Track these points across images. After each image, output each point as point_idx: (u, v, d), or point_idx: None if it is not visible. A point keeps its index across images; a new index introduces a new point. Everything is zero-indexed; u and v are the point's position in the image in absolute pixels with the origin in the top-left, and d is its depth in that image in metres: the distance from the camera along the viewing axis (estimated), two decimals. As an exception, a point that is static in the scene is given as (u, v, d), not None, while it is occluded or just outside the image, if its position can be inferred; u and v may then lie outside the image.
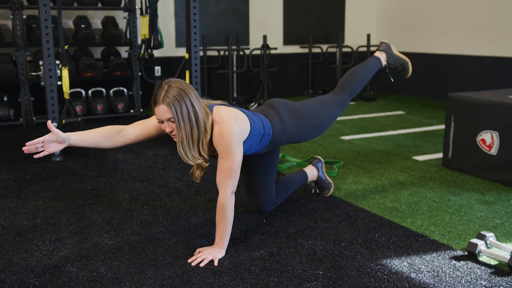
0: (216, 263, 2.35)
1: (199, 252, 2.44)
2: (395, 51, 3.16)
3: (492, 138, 3.56)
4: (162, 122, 2.35)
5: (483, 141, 3.62)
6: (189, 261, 2.38)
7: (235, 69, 6.96)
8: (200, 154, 2.38)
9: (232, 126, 2.37)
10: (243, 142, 2.48)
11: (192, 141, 2.33)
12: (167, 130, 2.34)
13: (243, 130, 2.44)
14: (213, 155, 2.52)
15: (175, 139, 2.36)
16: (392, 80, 3.10)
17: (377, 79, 8.30)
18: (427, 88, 7.66)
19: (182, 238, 2.64)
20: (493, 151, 3.55)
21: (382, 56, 3.11)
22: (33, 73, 5.43)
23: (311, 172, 3.21)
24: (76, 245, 2.57)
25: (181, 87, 2.31)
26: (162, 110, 2.29)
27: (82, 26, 6.04)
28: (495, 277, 2.24)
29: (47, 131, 3.05)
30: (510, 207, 3.10)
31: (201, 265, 2.34)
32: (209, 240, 2.60)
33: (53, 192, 3.38)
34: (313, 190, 3.30)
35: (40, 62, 4.23)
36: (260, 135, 2.57)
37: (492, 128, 3.55)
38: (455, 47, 7.15)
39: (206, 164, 2.45)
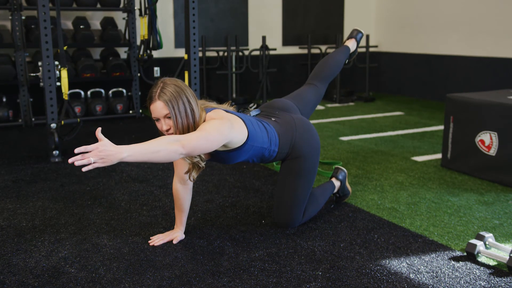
0: None
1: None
2: (347, 183, 3.19)
3: (491, 138, 3.56)
4: (158, 120, 2.31)
5: (482, 141, 3.62)
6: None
7: (234, 70, 6.97)
8: None
9: (222, 120, 2.30)
10: (241, 150, 2.44)
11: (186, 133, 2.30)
12: (164, 128, 2.30)
13: (233, 131, 2.33)
14: (210, 156, 2.50)
15: None
16: (332, 206, 3.12)
17: (375, 80, 8.31)
18: (426, 88, 7.66)
19: (181, 239, 2.63)
20: (492, 151, 3.56)
21: (338, 183, 3.10)
22: (32, 74, 5.42)
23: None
24: (75, 246, 2.56)
25: (177, 84, 2.31)
26: (158, 106, 2.27)
27: (81, 27, 6.04)
28: (494, 277, 2.24)
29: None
30: (509, 207, 3.11)
31: None
32: (208, 241, 2.61)
33: (52, 193, 3.38)
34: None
35: (39, 63, 4.23)
36: (261, 149, 2.52)
37: (491, 129, 3.55)
38: (454, 48, 7.16)
39: (203, 164, 2.42)
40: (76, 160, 1.92)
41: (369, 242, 2.61)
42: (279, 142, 2.60)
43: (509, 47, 6.41)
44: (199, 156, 2.37)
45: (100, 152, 1.94)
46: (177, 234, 2.63)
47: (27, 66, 5.70)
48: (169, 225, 2.81)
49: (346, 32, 8.26)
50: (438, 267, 2.35)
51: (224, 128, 2.28)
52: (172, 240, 2.60)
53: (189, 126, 2.30)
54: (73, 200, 3.24)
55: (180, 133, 2.29)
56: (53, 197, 3.30)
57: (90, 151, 1.93)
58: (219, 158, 2.50)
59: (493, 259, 2.40)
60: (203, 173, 3.78)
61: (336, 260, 2.40)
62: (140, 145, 2.09)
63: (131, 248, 2.53)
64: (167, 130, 2.31)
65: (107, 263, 2.37)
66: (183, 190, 2.63)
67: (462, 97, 3.80)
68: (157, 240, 2.59)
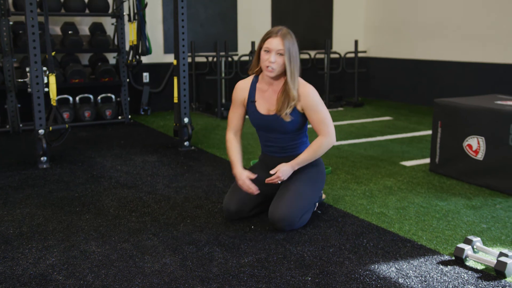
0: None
1: (277, 172, 2.81)
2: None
3: (478, 143, 3.59)
4: (268, 51, 2.71)
5: (470, 146, 3.65)
6: (267, 180, 2.84)
7: (223, 75, 6.97)
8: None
9: (313, 88, 2.84)
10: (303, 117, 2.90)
11: (294, 77, 2.75)
12: (272, 59, 2.69)
13: None
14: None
15: (267, 71, 2.74)
16: (319, 212, 3.14)
17: (364, 85, 8.35)
18: (414, 93, 7.71)
19: (170, 245, 2.62)
20: (480, 156, 3.59)
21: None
22: (19, 80, 5.38)
23: None
24: (63, 253, 2.54)
25: (293, 37, 2.77)
26: (277, 41, 2.70)
27: (70, 32, 6.01)
28: (482, 281, 2.26)
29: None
30: (497, 211, 3.13)
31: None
32: (198, 247, 2.60)
33: (39, 199, 3.35)
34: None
35: (27, 69, 4.20)
36: (306, 127, 3.01)
37: (478, 134, 3.58)
38: (441, 53, 7.22)
39: (293, 102, 2.78)
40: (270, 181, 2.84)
41: (358, 247, 2.61)
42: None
43: (495, 53, 6.48)
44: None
45: (283, 176, 2.84)
46: (246, 174, 2.87)
47: (15, 71, 5.66)
48: (159, 231, 2.80)
49: (335, 37, 8.31)
50: (427, 271, 2.36)
51: (319, 98, 2.88)
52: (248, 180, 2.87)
53: (291, 72, 2.72)
54: (61, 207, 3.21)
55: (292, 71, 2.72)
56: (41, 203, 3.27)
57: (276, 178, 2.82)
58: (290, 121, 2.83)
59: (481, 263, 2.42)
60: (193, 179, 3.77)
61: (326, 265, 2.40)
62: (304, 157, 2.85)
63: (119, 254, 2.52)
64: (272, 63, 2.70)
65: (96, 270, 2.36)
66: (238, 139, 3.02)
67: (450, 102, 3.83)
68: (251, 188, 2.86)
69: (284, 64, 2.73)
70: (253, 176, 2.89)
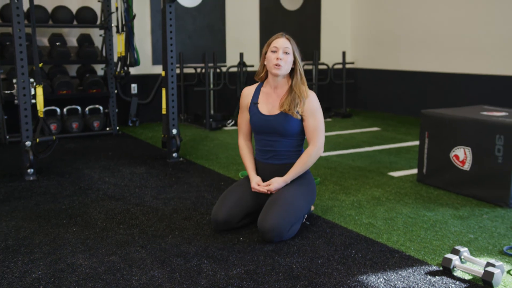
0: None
1: (270, 185, 2.92)
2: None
3: (465, 154, 3.62)
4: (275, 52, 2.86)
5: (457, 157, 3.68)
6: (260, 190, 2.93)
7: (211, 86, 6.98)
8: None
9: (314, 94, 2.97)
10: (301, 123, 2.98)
11: (302, 76, 2.93)
12: (280, 56, 2.84)
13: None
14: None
15: (275, 69, 2.86)
16: (308, 223, 3.15)
17: (352, 96, 8.40)
18: (401, 104, 7.78)
19: (159, 258, 2.61)
20: (466, 166, 3.62)
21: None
22: (6, 91, 5.35)
23: None
24: (50, 266, 2.52)
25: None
26: (284, 40, 2.88)
27: (57, 43, 6.00)
28: (470, 291, 2.27)
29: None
30: (484, 222, 3.15)
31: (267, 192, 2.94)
32: (186, 259, 2.58)
33: (26, 212, 3.32)
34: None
35: (14, 80, 4.18)
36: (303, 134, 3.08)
37: (465, 144, 3.61)
38: (429, 65, 7.29)
39: (299, 100, 2.89)
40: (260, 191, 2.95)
41: (346, 258, 2.61)
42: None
43: (481, 64, 6.56)
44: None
45: (274, 189, 2.93)
46: (256, 180, 2.97)
47: (2, 83, 5.62)
48: (146, 243, 2.78)
49: (323, 48, 8.36)
50: (415, 282, 2.36)
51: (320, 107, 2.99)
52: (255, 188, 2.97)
53: (300, 71, 2.90)
54: (48, 219, 3.18)
55: (298, 72, 2.90)
56: (27, 216, 3.24)
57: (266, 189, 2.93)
58: (291, 123, 2.92)
59: (469, 273, 2.43)
60: (181, 191, 3.76)
61: (314, 277, 2.40)
62: (296, 169, 2.93)
63: (107, 267, 2.50)
64: (280, 59, 2.83)
65: (82, 284, 2.33)
66: (249, 144, 3.14)
67: (437, 113, 3.87)
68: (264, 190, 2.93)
69: (291, 62, 2.89)
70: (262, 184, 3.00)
